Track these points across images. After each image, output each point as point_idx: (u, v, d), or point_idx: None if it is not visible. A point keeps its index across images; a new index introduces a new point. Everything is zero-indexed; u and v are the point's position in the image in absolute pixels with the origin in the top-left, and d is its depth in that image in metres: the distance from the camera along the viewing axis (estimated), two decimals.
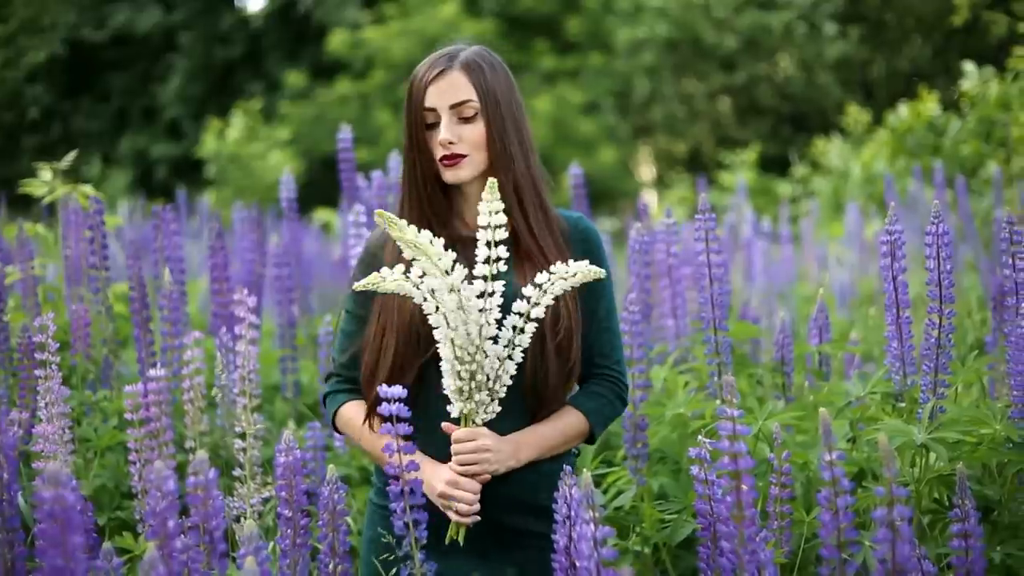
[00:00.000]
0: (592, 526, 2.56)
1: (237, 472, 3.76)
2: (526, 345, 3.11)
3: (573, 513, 2.77)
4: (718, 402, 4.19)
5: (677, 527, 3.82)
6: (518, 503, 3.27)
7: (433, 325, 3.04)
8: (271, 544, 3.50)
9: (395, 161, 6.22)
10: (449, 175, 3.28)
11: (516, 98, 3.37)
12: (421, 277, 3.00)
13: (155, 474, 2.52)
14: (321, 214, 13.22)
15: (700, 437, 3.09)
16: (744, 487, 2.87)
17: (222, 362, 4.25)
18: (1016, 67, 10.43)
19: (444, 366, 3.08)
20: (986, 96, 10.95)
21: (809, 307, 7.74)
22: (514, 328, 3.10)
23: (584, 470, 2.78)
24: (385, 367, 3.24)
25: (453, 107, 3.27)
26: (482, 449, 3.14)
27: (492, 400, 3.13)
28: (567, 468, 2.96)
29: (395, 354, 3.23)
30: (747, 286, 8.77)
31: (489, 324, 3.06)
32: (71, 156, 5.48)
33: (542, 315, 3.09)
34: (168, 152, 26.07)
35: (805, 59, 24.64)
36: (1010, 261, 3.78)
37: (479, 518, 3.14)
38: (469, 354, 3.05)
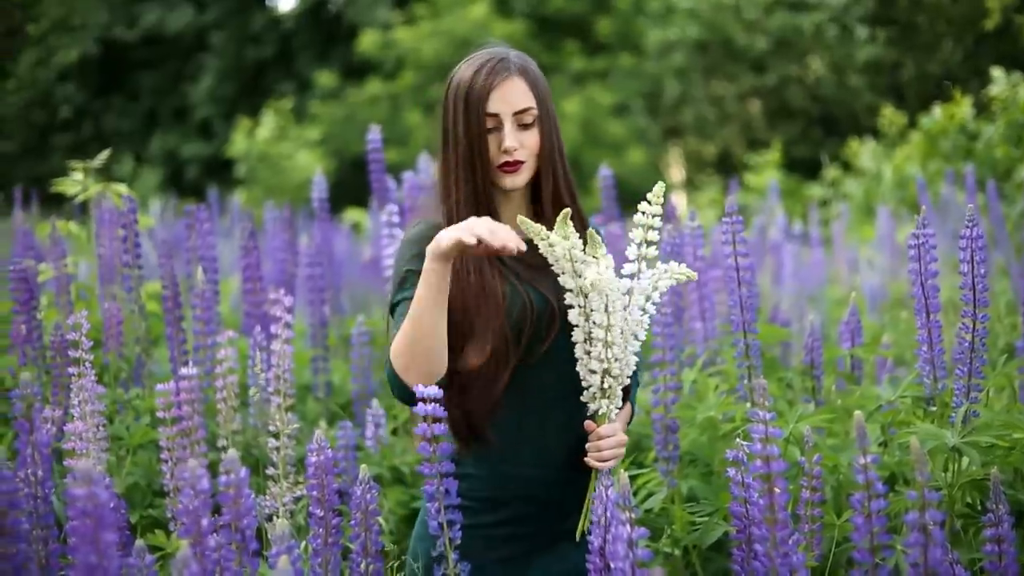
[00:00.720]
0: (628, 527, 2.57)
1: (269, 471, 3.78)
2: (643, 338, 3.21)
3: (609, 514, 2.78)
4: (748, 405, 4.18)
5: (708, 529, 3.82)
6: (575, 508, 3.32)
7: (573, 323, 3.14)
8: (303, 543, 3.51)
9: (425, 162, 6.24)
10: (508, 181, 3.31)
11: (553, 106, 3.41)
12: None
13: (189, 472, 2.53)
14: (351, 214, 13.25)
15: (737, 439, 3.09)
16: (777, 490, 2.87)
17: (256, 361, 4.27)
18: None
19: (591, 366, 3.15)
20: (1016, 101, 10.92)
21: (839, 311, 7.73)
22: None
23: (620, 471, 2.79)
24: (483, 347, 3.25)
25: (516, 114, 3.29)
26: (622, 444, 3.24)
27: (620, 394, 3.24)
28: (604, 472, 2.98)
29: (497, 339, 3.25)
30: (777, 289, 8.75)
31: (639, 323, 3.18)
32: (104, 155, 5.50)
33: (654, 311, 3.22)
34: (199, 152, 26.15)
35: (835, 61, 24.57)
36: None
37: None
38: (623, 351, 3.15)
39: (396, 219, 5.41)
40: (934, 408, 3.90)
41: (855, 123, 22.79)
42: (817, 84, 24.92)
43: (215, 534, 2.63)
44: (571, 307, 3.15)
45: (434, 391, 2.93)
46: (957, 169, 11.19)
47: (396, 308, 3.27)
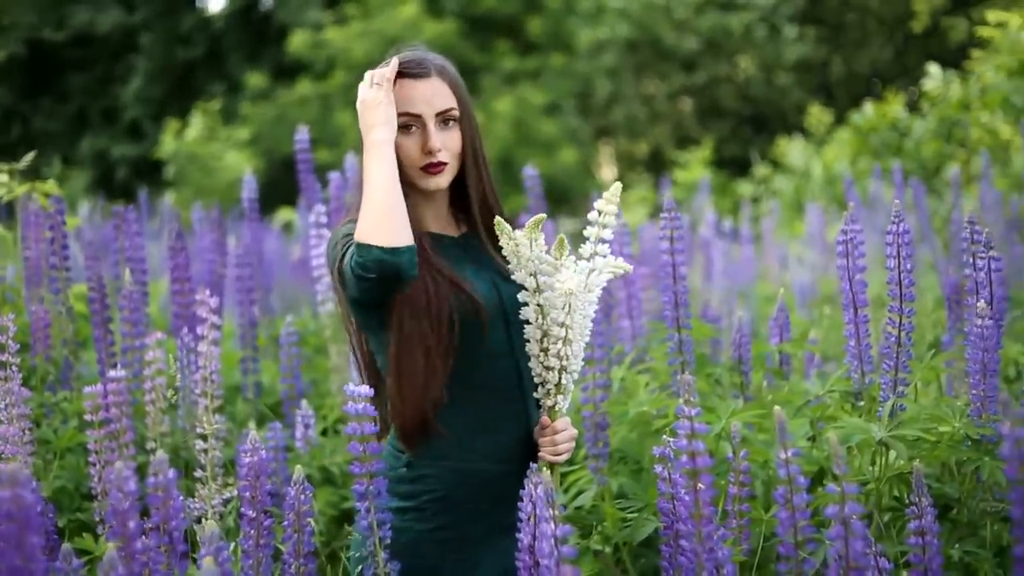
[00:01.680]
0: (553, 524, 2.57)
1: (198, 473, 3.75)
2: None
3: (537, 512, 2.78)
4: (680, 400, 4.21)
5: (638, 526, 3.84)
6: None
7: (558, 324, 3.15)
8: (232, 545, 3.50)
9: (352, 161, 6.22)
10: (431, 182, 3.31)
11: (472, 108, 3.43)
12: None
13: (116, 474, 2.52)
14: (283, 214, 13.20)
15: (664, 436, 3.10)
16: (702, 485, 2.89)
17: (183, 363, 4.24)
18: (975, 69, 10.50)
19: (549, 363, 3.18)
20: (947, 97, 11.02)
21: (769, 307, 7.77)
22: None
23: (546, 469, 2.80)
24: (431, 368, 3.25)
25: (438, 114, 3.30)
26: (574, 437, 3.31)
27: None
28: (532, 466, 2.98)
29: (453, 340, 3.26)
30: (707, 286, 8.79)
31: (591, 317, 3.22)
32: (29, 157, 5.45)
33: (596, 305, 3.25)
34: (128, 153, 25.94)
35: (765, 60, 24.73)
36: (970, 260, 3.80)
37: None
38: (579, 347, 3.20)
39: (324, 219, 5.40)
40: (862, 403, 3.93)
41: (784, 121, 22.95)
42: (747, 83, 25.08)
43: (143, 536, 2.62)
44: (525, 304, 3.18)
45: (364, 390, 2.93)
46: (886, 166, 11.29)
47: (348, 250, 3.15)
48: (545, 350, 3.17)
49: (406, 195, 3.20)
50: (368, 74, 3.27)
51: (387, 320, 3.22)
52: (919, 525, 2.98)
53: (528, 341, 3.21)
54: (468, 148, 3.37)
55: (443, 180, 3.32)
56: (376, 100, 3.21)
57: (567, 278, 3.12)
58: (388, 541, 3.01)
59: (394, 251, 3.02)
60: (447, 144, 3.30)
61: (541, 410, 3.28)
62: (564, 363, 3.18)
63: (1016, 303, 5.90)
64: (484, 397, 3.30)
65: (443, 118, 3.30)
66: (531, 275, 3.15)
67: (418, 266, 3.16)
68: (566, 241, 3.21)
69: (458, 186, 3.39)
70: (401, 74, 3.29)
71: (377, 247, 3.01)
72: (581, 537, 3.93)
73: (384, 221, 3.06)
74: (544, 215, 3.21)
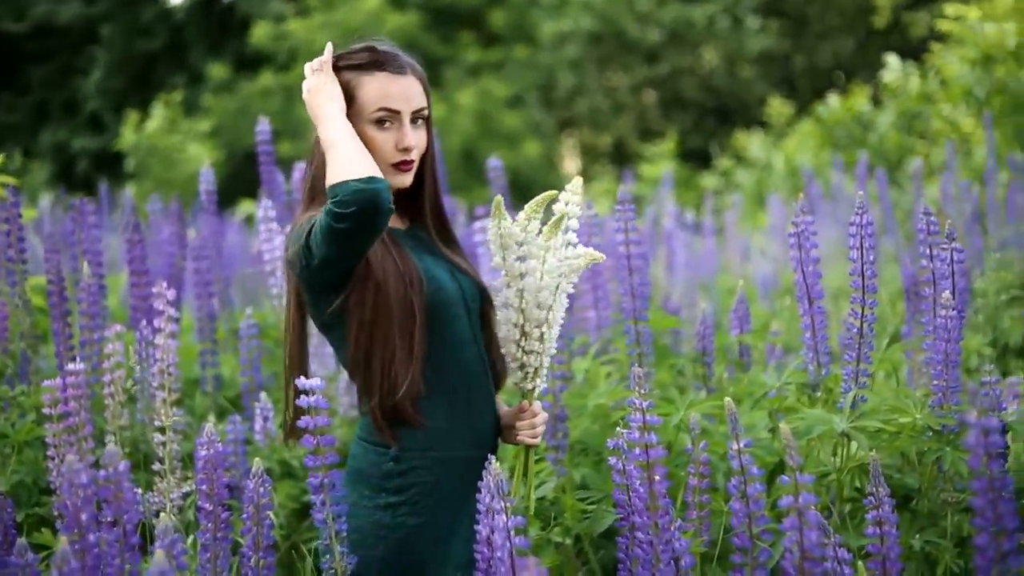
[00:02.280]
0: (505, 516, 2.56)
1: (157, 467, 3.73)
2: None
3: (493, 503, 2.77)
4: (632, 393, 4.20)
5: (598, 517, 3.83)
6: None
7: (542, 306, 3.21)
8: (191, 538, 3.47)
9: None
10: (399, 180, 3.32)
11: None
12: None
13: (67, 467, 2.49)
14: (245, 207, 13.15)
15: (619, 428, 3.09)
16: (656, 477, 2.89)
17: (142, 356, 4.21)
18: (935, 63, 10.54)
19: (531, 347, 3.24)
20: (907, 90, 11.06)
21: (731, 299, 7.76)
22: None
23: (501, 462, 2.79)
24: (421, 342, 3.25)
25: (414, 113, 3.31)
26: (546, 420, 3.39)
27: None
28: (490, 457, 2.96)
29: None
30: (669, 278, 8.79)
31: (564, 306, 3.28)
32: None
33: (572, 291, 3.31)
34: (89, 145, 25.82)
35: (728, 52, 24.78)
36: (928, 251, 3.81)
37: None
38: (543, 329, 3.24)
39: (272, 213, 5.38)
40: (818, 394, 3.93)
41: (747, 114, 23.00)
42: (710, 75, 25.13)
43: (98, 530, 2.59)
44: (507, 287, 3.23)
45: (316, 383, 2.91)
46: (850, 158, 11.32)
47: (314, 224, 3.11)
48: (527, 334, 3.19)
49: None
50: (307, 65, 3.33)
51: (351, 313, 3.20)
52: (877, 515, 2.98)
53: (501, 327, 3.26)
54: (430, 148, 3.40)
55: (409, 178, 3.34)
56: (320, 83, 3.25)
57: (555, 261, 3.18)
58: (344, 534, 3.00)
59: (371, 179, 2.99)
60: (419, 144, 3.30)
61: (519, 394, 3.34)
62: (547, 346, 3.23)
63: (978, 294, 5.92)
64: (459, 385, 3.30)
65: (416, 117, 3.31)
66: (517, 259, 3.16)
67: (384, 256, 3.17)
68: (561, 221, 3.23)
69: (415, 191, 3.40)
70: (380, 66, 3.28)
71: (353, 179, 2.98)
72: (542, 529, 3.91)
73: (355, 160, 3.05)
74: (500, 197, 3.21)
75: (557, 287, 3.20)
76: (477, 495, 2.87)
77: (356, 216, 2.98)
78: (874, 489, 3.00)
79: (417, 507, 3.24)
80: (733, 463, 2.82)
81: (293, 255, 3.17)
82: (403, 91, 3.28)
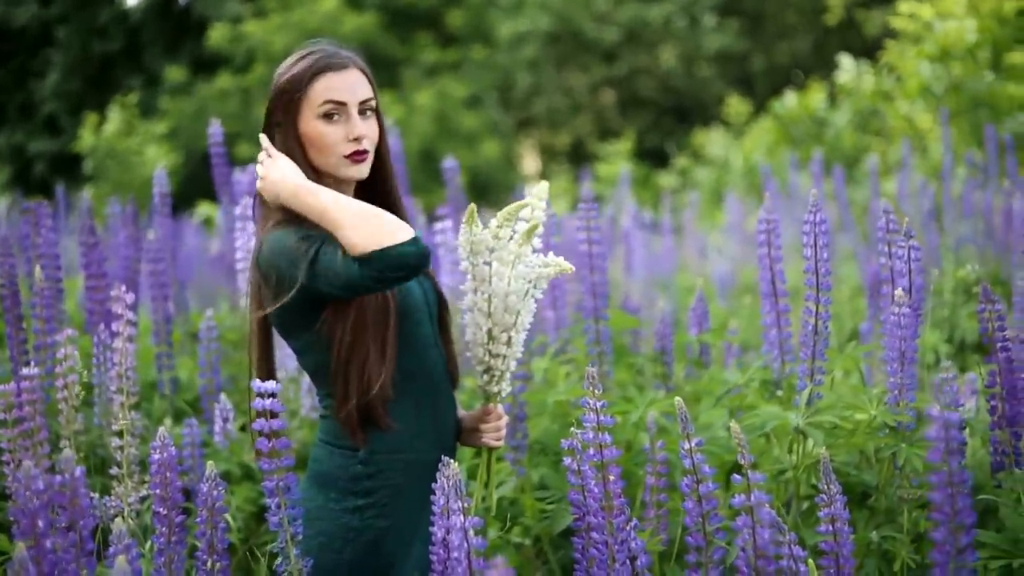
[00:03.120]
0: (461, 516, 2.56)
1: (114, 471, 3.71)
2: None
3: (450, 504, 2.76)
4: (587, 393, 4.21)
5: (556, 517, 3.83)
6: None
7: (510, 311, 3.24)
8: (149, 542, 3.45)
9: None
10: (355, 170, 3.30)
11: None
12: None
13: (23, 473, 2.48)
14: (203, 208, 13.10)
15: (572, 428, 3.09)
16: (611, 477, 2.89)
17: (99, 359, 4.19)
18: (888, 60, 10.60)
19: (499, 350, 3.27)
20: (861, 88, 11.12)
21: (690, 297, 7.77)
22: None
23: (457, 463, 2.79)
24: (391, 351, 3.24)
25: (362, 103, 3.31)
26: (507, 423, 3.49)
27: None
28: (445, 459, 2.95)
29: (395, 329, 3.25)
30: (628, 277, 8.80)
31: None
32: None
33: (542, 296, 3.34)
34: (46, 148, 25.68)
35: (686, 51, 24.85)
36: (887, 249, 3.82)
37: None
38: (512, 333, 3.27)
39: (250, 212, 5.36)
40: (781, 392, 3.95)
41: (705, 112, 23.06)
42: (667, 74, 25.19)
43: (54, 536, 2.58)
44: (473, 292, 3.26)
45: (271, 386, 2.90)
46: (807, 155, 11.37)
47: (320, 250, 3.09)
48: (494, 339, 3.21)
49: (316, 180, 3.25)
50: (259, 158, 3.31)
51: (331, 322, 3.19)
52: (829, 512, 2.99)
53: (468, 330, 3.29)
54: (384, 141, 3.39)
55: (365, 169, 3.31)
56: (271, 164, 3.24)
57: (524, 268, 3.21)
58: (300, 537, 2.99)
59: (415, 240, 3.01)
60: (368, 133, 3.30)
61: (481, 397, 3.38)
62: (513, 350, 3.26)
63: (935, 291, 5.95)
64: (425, 387, 3.31)
65: (363, 108, 3.31)
66: (486, 264, 3.18)
67: None
68: (534, 231, 3.25)
69: (367, 179, 3.39)
70: (323, 68, 3.28)
71: (397, 246, 2.98)
72: (502, 529, 3.91)
73: (378, 221, 3.04)
74: (474, 205, 3.23)
75: (526, 293, 3.22)
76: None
77: (402, 277, 3.04)
78: (825, 486, 3.01)
79: (385, 509, 3.23)
80: (685, 462, 2.83)
81: (280, 276, 3.13)
82: (346, 84, 3.28)
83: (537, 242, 3.29)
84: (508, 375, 3.32)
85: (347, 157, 3.28)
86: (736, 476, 2.62)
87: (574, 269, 3.36)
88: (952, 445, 2.53)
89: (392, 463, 3.25)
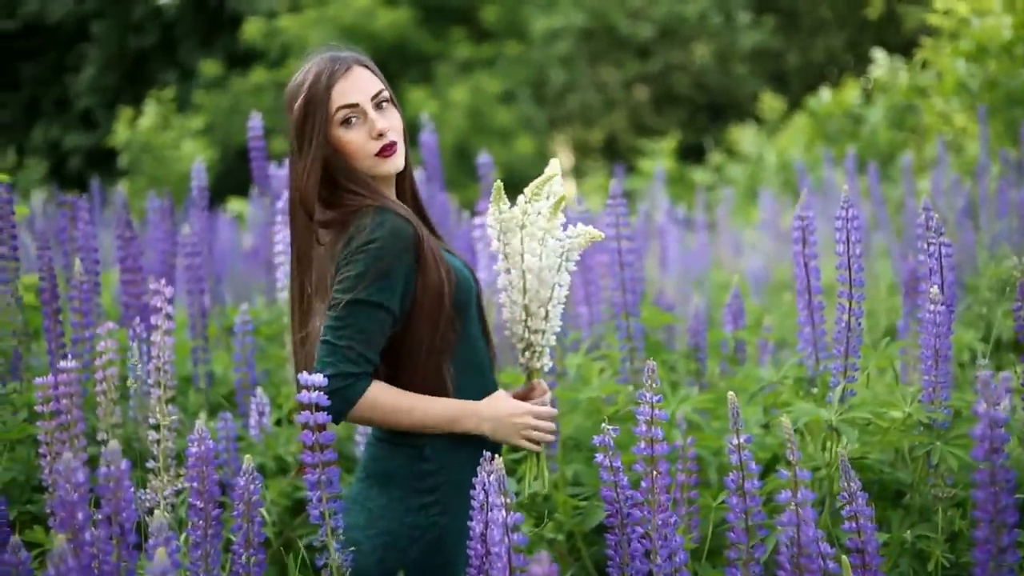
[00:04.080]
0: (503, 512, 2.56)
1: (150, 464, 3.73)
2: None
3: (491, 499, 2.77)
4: (630, 388, 4.21)
5: (589, 513, 3.84)
6: None
7: (503, 288, 3.33)
8: (183, 535, 3.47)
9: None
10: (389, 165, 3.34)
11: None
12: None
13: (64, 465, 2.50)
14: (235, 204, 13.13)
15: (604, 424, 3.09)
16: (659, 472, 2.89)
17: (135, 353, 4.21)
18: (924, 56, 10.55)
19: (537, 325, 3.32)
20: (896, 85, 11.06)
21: (724, 294, 7.77)
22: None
23: (498, 456, 2.79)
24: (448, 340, 3.29)
25: (374, 98, 3.33)
26: (552, 400, 3.49)
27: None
28: (486, 454, 2.96)
29: (450, 325, 3.29)
30: (662, 273, 8.80)
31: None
32: None
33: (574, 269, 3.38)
34: (81, 142, 25.76)
35: (720, 48, 24.77)
36: (925, 246, 3.81)
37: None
38: (548, 307, 3.33)
39: (287, 206, 5.38)
40: (815, 389, 3.94)
41: (739, 109, 22.99)
42: (702, 71, 25.11)
43: (93, 527, 2.59)
44: (500, 273, 3.32)
45: (317, 379, 2.92)
46: (841, 152, 11.32)
47: (361, 305, 3.17)
48: (532, 314, 3.25)
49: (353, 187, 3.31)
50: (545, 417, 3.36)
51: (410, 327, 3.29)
52: (852, 510, 2.98)
53: (504, 310, 3.35)
54: (405, 129, 3.42)
55: (399, 160, 3.35)
56: (543, 424, 3.35)
57: (554, 241, 3.28)
58: (340, 530, 3.00)
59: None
60: (391, 124, 3.31)
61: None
62: (551, 324, 3.33)
63: (969, 289, 5.92)
64: (480, 377, 3.36)
65: (377, 101, 3.33)
66: (520, 240, 3.21)
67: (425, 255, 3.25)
68: (560, 204, 3.29)
69: (404, 173, 3.42)
70: (331, 78, 3.30)
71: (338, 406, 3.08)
72: (535, 525, 3.92)
73: (375, 419, 3.23)
74: (500, 182, 3.26)
75: (559, 266, 3.27)
76: None
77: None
78: (845, 484, 3.01)
79: (448, 506, 3.27)
80: (732, 458, 2.82)
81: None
82: (353, 84, 3.31)
83: (561, 217, 3.33)
84: (548, 349, 3.37)
85: (377, 155, 3.30)
86: (782, 472, 2.61)
87: (603, 236, 3.39)
88: (996, 443, 2.53)
89: (454, 457, 3.27)
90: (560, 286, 3.30)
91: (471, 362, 3.34)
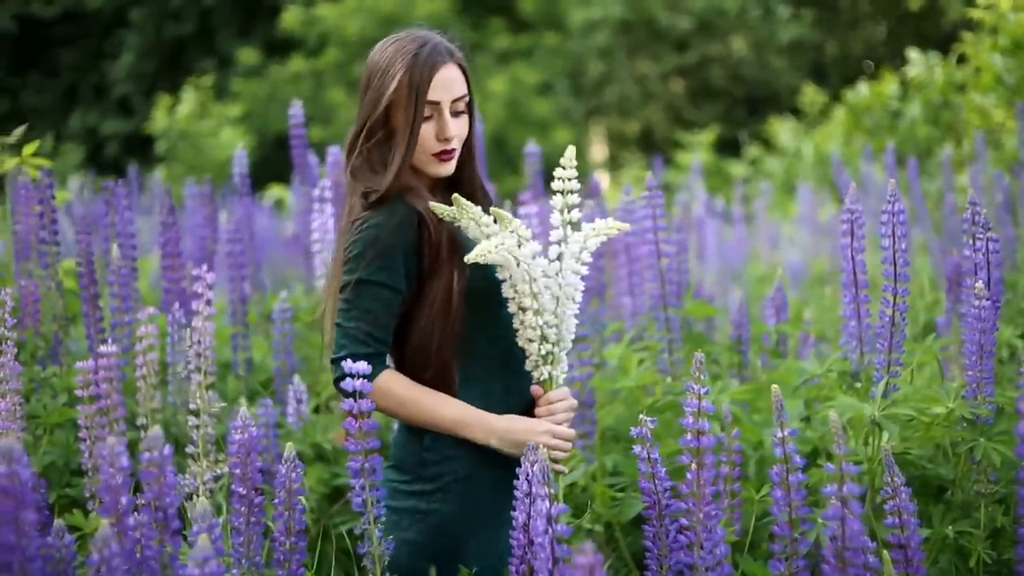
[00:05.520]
0: (547, 503, 2.56)
1: (189, 449, 3.73)
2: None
3: (534, 490, 2.76)
4: (668, 379, 4.20)
5: (627, 504, 3.83)
6: None
7: (507, 297, 3.20)
8: (222, 522, 3.47)
9: None
10: (442, 169, 3.35)
11: None
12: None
13: (108, 449, 2.49)
14: (273, 191, 13.16)
15: (642, 416, 3.08)
16: (704, 464, 2.87)
17: (174, 339, 4.22)
18: (965, 51, 10.48)
19: (527, 335, 3.20)
20: (932, 81, 11.01)
21: (762, 287, 7.77)
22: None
23: (542, 446, 2.78)
24: (454, 334, 3.28)
25: (454, 102, 3.32)
26: (574, 407, 3.33)
27: (565, 358, 3.29)
28: (531, 444, 2.95)
29: (462, 320, 3.28)
30: (700, 266, 8.78)
31: (573, 286, 3.23)
32: (19, 131, 5.39)
33: (586, 272, 3.27)
34: (119, 129, 25.85)
35: (758, 41, 24.69)
36: (971, 241, 3.78)
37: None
38: (557, 316, 3.19)
39: (329, 194, 5.39)
40: (859, 384, 3.92)
41: (777, 102, 22.92)
42: (739, 64, 25.05)
43: (135, 513, 2.59)
44: (503, 281, 3.20)
45: (362, 366, 2.91)
46: (879, 146, 11.27)
47: (364, 285, 3.23)
48: (522, 322, 3.19)
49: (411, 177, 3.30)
50: (563, 438, 3.28)
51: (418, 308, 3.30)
52: (895, 505, 2.97)
53: (513, 318, 3.25)
54: (472, 135, 3.41)
55: (452, 166, 3.37)
56: (561, 444, 3.27)
57: (528, 250, 3.16)
58: (383, 519, 3.00)
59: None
60: (459, 132, 3.31)
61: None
62: (542, 332, 3.20)
63: (1008, 285, 5.88)
64: (495, 372, 3.32)
65: (457, 105, 3.32)
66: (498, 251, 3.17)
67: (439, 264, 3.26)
68: (505, 212, 3.24)
69: (457, 178, 3.43)
70: (425, 57, 3.28)
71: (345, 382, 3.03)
72: (573, 516, 3.91)
73: (385, 408, 3.22)
74: (542, 174, 3.25)
75: (528, 275, 3.17)
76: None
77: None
78: (889, 479, 2.99)
79: (450, 495, 3.27)
80: (776, 451, 2.81)
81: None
82: (443, 81, 3.29)
83: (576, 214, 3.26)
84: (555, 359, 3.27)
85: (435, 156, 3.31)
86: (829, 465, 2.59)
87: (628, 227, 3.33)
88: None
89: (460, 450, 3.26)
90: (565, 295, 3.22)
91: (494, 356, 3.31)
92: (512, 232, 3.17)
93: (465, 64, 3.37)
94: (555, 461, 3.22)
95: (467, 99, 3.35)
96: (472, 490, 3.26)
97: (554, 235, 3.23)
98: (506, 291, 3.19)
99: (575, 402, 3.34)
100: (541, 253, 3.21)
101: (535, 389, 3.29)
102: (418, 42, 3.31)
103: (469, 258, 3.09)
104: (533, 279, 3.14)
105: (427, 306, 3.26)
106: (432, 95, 3.27)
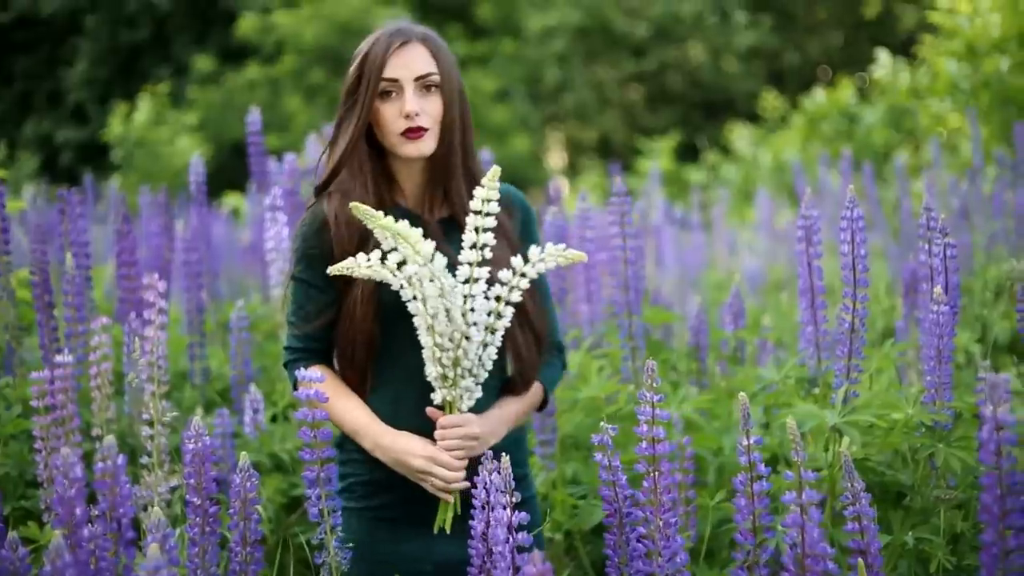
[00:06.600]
0: (508, 511, 2.54)
1: (144, 460, 3.70)
2: (505, 328, 3.15)
3: (492, 499, 2.74)
4: (631, 387, 4.19)
5: (586, 513, 3.82)
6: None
7: (412, 313, 3.07)
8: (178, 532, 3.44)
9: (313, 144, 6.20)
10: (411, 148, 3.27)
11: (460, 78, 3.40)
12: (400, 264, 3.03)
13: (62, 460, 2.47)
14: (230, 199, 13.11)
15: (603, 423, 3.06)
16: (661, 472, 2.86)
17: (130, 348, 4.19)
18: (924, 56, 10.55)
19: (426, 353, 3.10)
20: (896, 85, 11.06)
21: (720, 294, 7.77)
22: (491, 313, 3.14)
23: (504, 455, 2.76)
24: (364, 340, 3.27)
25: (418, 79, 3.27)
26: (470, 437, 3.17)
27: (477, 386, 3.16)
28: (488, 453, 2.91)
29: (370, 326, 3.26)
30: (658, 272, 8.79)
31: (474, 311, 3.07)
32: None
33: (519, 299, 3.14)
34: (74, 137, 25.71)
35: (715, 47, 24.79)
36: (927, 246, 3.79)
37: (466, 485, 3.11)
38: (452, 341, 3.07)
39: (280, 202, 5.36)
40: (817, 389, 3.92)
41: (734, 108, 23.01)
42: (697, 70, 25.14)
43: (90, 524, 2.57)
44: (412, 299, 3.09)
45: (316, 374, 2.89)
46: (835, 152, 11.33)
47: (293, 281, 3.37)
48: (451, 345, 3.10)
49: (387, 162, 3.32)
50: (445, 466, 3.17)
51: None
52: (855, 511, 2.96)
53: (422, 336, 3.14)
54: (450, 117, 3.31)
55: (425, 147, 3.27)
56: (439, 472, 3.17)
57: (412, 269, 3.03)
58: (340, 530, 2.99)
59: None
60: (427, 109, 3.26)
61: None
62: (438, 355, 3.09)
63: (964, 290, 5.91)
64: (414, 380, 3.23)
65: (423, 83, 3.27)
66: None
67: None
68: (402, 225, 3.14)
69: (439, 160, 3.34)
70: (384, 43, 3.27)
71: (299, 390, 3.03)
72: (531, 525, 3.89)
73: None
74: (360, 204, 3.10)
75: (420, 295, 3.05)
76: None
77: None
78: (849, 484, 2.98)
79: (354, 495, 3.34)
80: (741, 459, 2.80)
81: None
82: (403, 59, 3.25)
83: (489, 237, 3.10)
84: (455, 383, 3.13)
85: (402, 135, 3.26)
86: (788, 473, 2.59)
87: (586, 257, 3.19)
88: (1004, 445, 2.50)
89: (364, 455, 3.26)
90: (480, 328, 3.10)
91: (411, 365, 3.22)
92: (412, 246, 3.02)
93: (436, 45, 3.32)
94: (442, 489, 3.16)
95: (436, 78, 3.28)
96: (375, 494, 3.30)
97: (463, 256, 3.10)
98: (411, 308, 3.08)
99: (476, 431, 3.18)
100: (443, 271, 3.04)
101: (431, 411, 3.19)
102: (388, 30, 3.30)
103: (331, 271, 3.07)
104: (428, 297, 3.03)
105: (344, 309, 3.27)
106: (389, 72, 3.24)
